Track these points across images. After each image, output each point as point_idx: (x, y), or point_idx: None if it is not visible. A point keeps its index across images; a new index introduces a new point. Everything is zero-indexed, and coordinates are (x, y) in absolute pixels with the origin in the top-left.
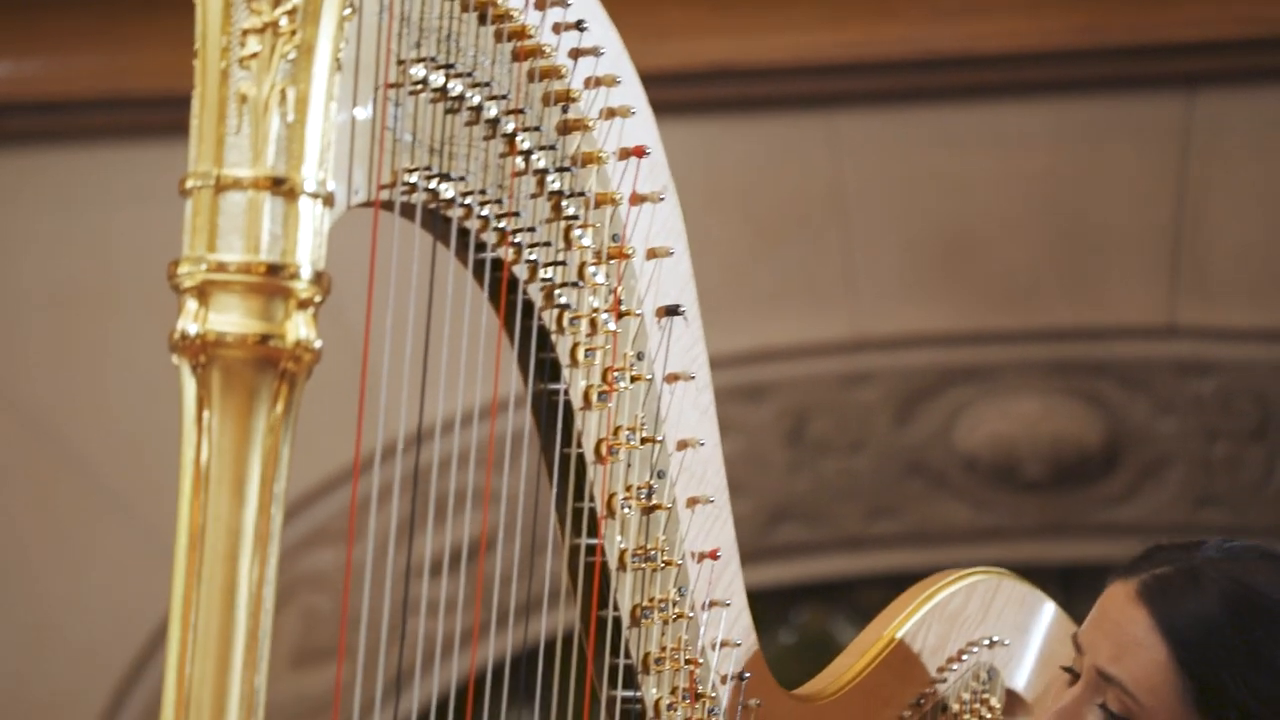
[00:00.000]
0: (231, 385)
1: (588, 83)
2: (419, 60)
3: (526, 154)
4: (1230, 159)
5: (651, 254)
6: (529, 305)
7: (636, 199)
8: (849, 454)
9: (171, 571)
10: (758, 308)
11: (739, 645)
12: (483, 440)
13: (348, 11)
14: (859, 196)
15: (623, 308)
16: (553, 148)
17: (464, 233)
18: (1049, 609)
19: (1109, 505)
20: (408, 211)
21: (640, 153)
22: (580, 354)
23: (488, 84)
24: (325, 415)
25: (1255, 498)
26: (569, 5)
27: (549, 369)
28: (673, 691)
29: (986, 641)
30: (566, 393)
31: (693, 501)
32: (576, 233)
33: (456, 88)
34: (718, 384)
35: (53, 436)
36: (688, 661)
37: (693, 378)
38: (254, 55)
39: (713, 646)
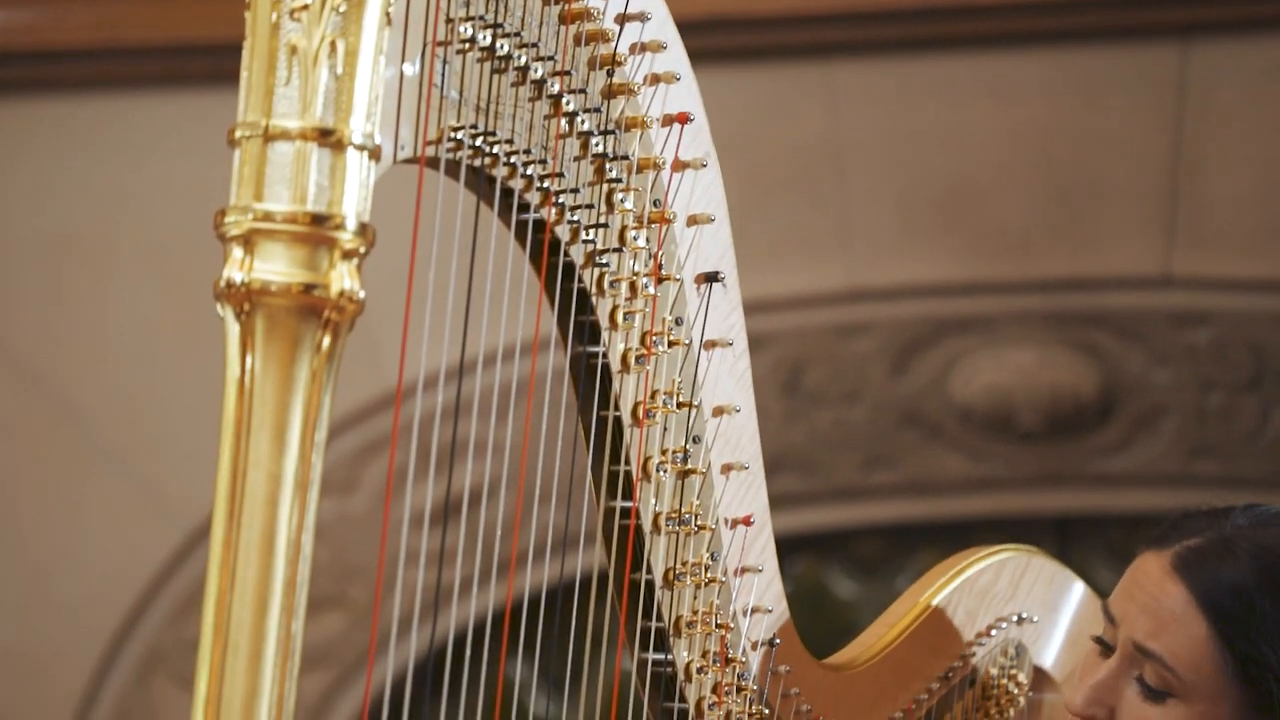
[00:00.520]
0: (275, 333)
1: (633, 48)
2: (468, 19)
3: (571, 116)
4: (1226, 109)
5: (692, 220)
6: (570, 267)
7: (679, 165)
8: (845, 405)
9: (212, 516)
10: (753, 259)
11: (770, 611)
12: (497, 393)
13: None
14: (855, 148)
15: (662, 273)
16: (598, 111)
17: (507, 193)
18: (1078, 588)
19: (1104, 455)
20: (452, 169)
21: (684, 119)
22: (619, 317)
23: (535, 45)
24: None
25: (1249, 448)
26: None
27: (588, 332)
28: (703, 655)
29: (1015, 618)
30: (605, 356)
31: (727, 468)
32: (619, 196)
33: (504, 47)
34: None
35: (48, 390)
36: (719, 626)
37: (730, 344)
38: (304, 7)
39: (744, 612)
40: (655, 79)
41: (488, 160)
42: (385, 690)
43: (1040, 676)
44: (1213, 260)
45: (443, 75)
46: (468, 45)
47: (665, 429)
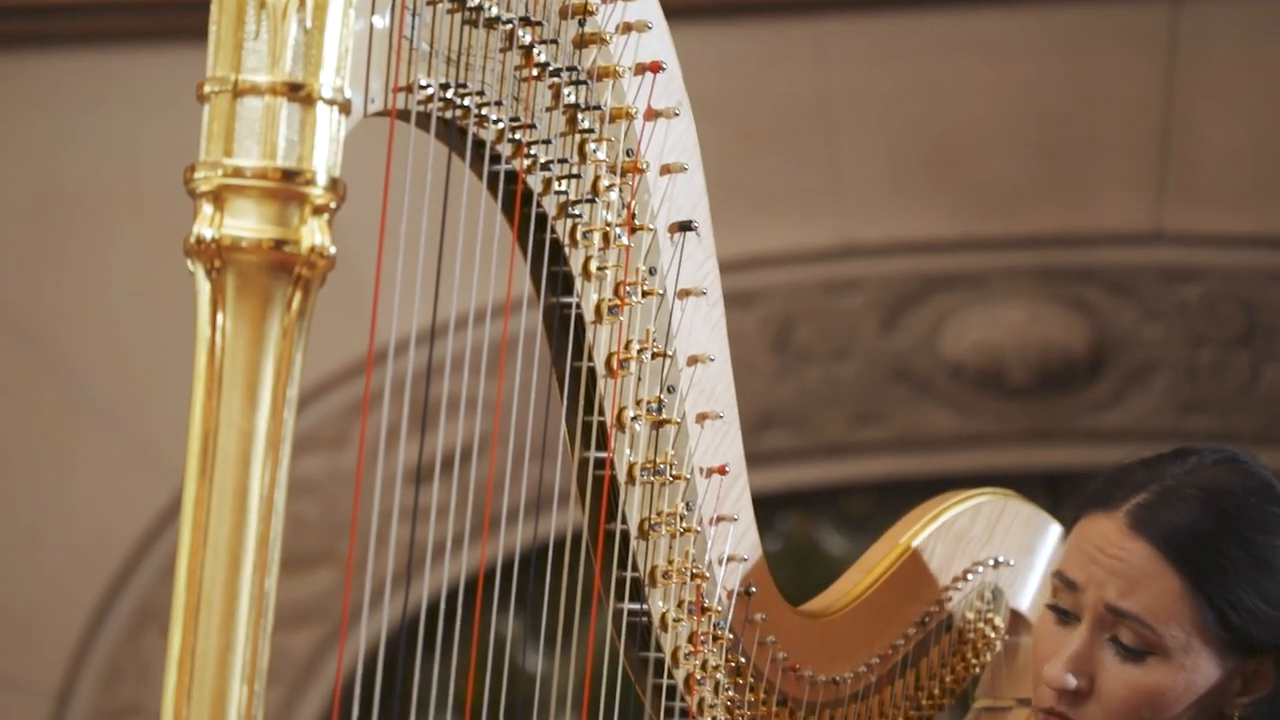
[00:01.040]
0: (245, 290)
1: None
2: None
3: (543, 67)
4: (1217, 65)
5: (665, 169)
6: (542, 218)
7: (651, 114)
8: (835, 361)
9: (184, 474)
10: (743, 215)
11: (746, 560)
12: (487, 348)
13: None
14: (846, 103)
15: (636, 222)
16: (573, 68)
17: (479, 144)
18: (1055, 530)
19: (1095, 411)
20: (423, 121)
21: (656, 68)
22: (592, 268)
23: None
24: (318, 322)
25: (1240, 403)
26: None
27: (561, 282)
28: (679, 605)
29: (991, 561)
30: (578, 306)
31: (702, 417)
32: (591, 146)
33: None
34: None
35: (38, 344)
36: (694, 575)
37: (704, 293)
38: None
39: (719, 561)
40: (627, 27)
41: (459, 112)
42: (374, 652)
43: (1017, 620)
44: (1204, 216)
45: (413, 27)
46: None
47: (639, 379)
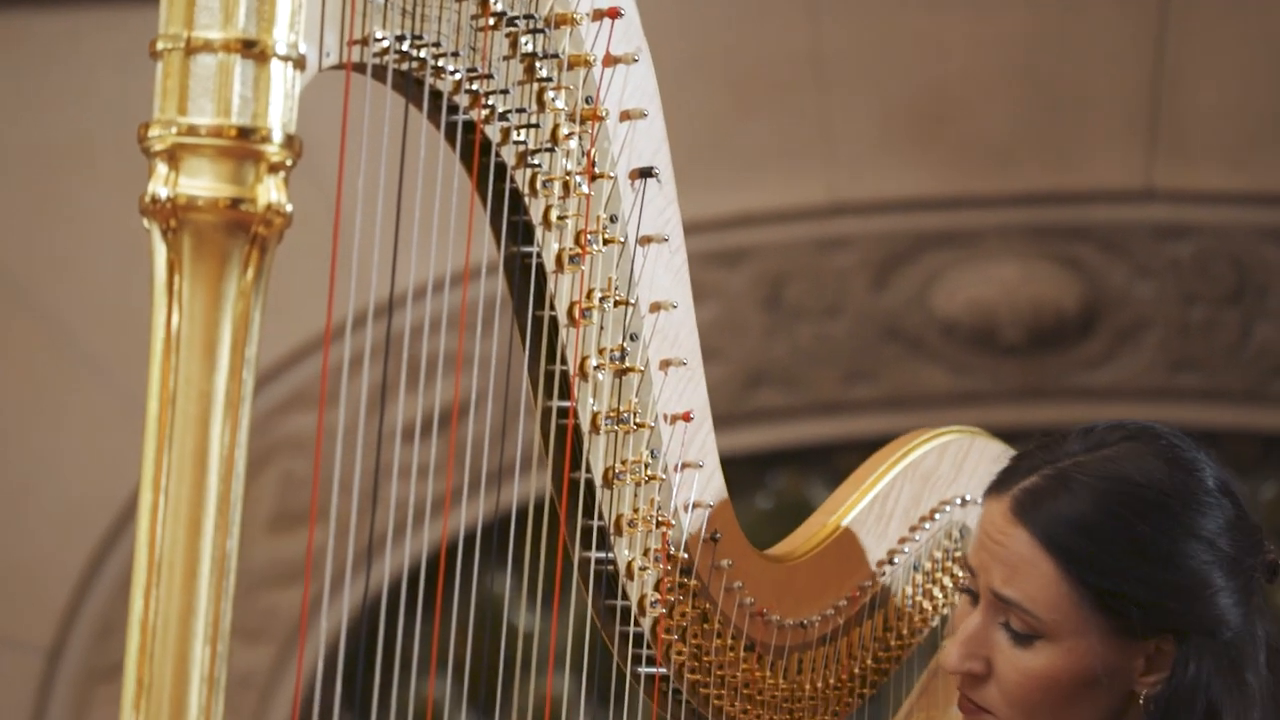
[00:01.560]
0: (202, 250)
1: None
2: None
3: (499, 16)
4: (1208, 20)
5: (625, 116)
6: (501, 168)
7: (610, 60)
8: (826, 319)
9: (143, 436)
10: (734, 172)
11: (711, 507)
12: (455, 305)
13: None
14: (836, 59)
15: (596, 170)
16: (529, 16)
17: (436, 96)
18: None
19: (1086, 369)
20: (379, 74)
21: (614, 14)
22: (553, 216)
23: None
24: (304, 280)
25: (1231, 361)
26: None
27: (522, 232)
28: (645, 553)
29: (959, 500)
30: (539, 256)
31: (665, 364)
32: (550, 95)
33: None
34: (694, 249)
35: (28, 300)
36: (660, 523)
37: (666, 240)
38: None
39: (685, 508)
40: None
41: (415, 64)
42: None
43: None
44: (1195, 173)
45: None
46: None
47: (602, 328)
